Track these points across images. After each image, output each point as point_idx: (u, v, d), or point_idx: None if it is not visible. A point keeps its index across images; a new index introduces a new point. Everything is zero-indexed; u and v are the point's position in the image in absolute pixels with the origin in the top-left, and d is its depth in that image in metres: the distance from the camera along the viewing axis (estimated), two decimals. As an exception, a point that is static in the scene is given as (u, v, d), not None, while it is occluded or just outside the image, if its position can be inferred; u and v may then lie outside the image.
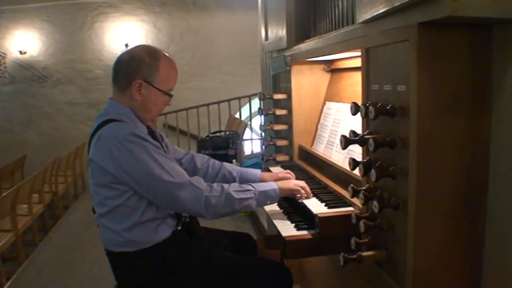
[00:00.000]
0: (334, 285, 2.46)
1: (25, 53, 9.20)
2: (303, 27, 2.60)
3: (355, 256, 1.55)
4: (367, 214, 1.61)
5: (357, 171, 1.60)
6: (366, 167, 1.52)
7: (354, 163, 1.58)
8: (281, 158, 2.90)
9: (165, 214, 1.98)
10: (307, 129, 2.74)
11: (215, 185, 1.96)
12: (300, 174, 2.45)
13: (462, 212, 1.37)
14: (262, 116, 2.92)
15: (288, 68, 2.66)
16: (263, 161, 2.99)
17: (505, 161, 1.28)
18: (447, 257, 1.39)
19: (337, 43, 1.96)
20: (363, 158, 1.65)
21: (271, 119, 3.12)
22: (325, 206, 1.95)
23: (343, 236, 1.72)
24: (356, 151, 1.97)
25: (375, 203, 1.49)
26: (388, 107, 1.43)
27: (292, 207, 2.19)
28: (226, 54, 9.40)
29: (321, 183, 2.27)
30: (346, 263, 1.56)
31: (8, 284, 4.10)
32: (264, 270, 2.11)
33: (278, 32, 2.80)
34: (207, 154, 6.27)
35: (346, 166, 1.82)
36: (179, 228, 2.05)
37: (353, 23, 1.87)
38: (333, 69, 2.64)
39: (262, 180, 2.26)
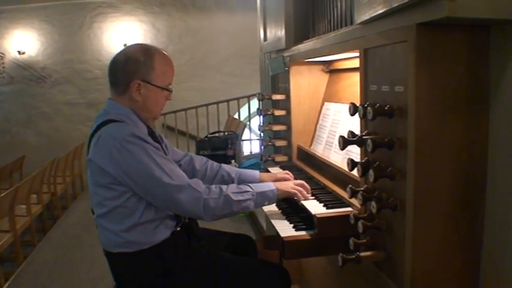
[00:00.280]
0: (332, 286, 2.47)
1: (24, 53, 9.19)
2: (302, 27, 2.61)
3: (353, 256, 1.55)
4: (366, 215, 1.61)
5: (355, 172, 1.60)
6: (364, 167, 1.53)
7: (352, 164, 1.58)
8: (280, 158, 2.90)
9: (164, 215, 1.98)
10: (306, 130, 2.74)
11: (213, 187, 1.96)
12: (299, 174, 2.45)
13: (460, 212, 1.37)
14: (261, 116, 2.92)
15: (286, 68, 2.67)
16: (262, 162, 2.99)
17: (503, 161, 1.28)
18: (445, 257, 1.39)
19: (335, 44, 1.97)
20: (361, 159, 1.66)
21: (270, 119, 3.12)
22: (324, 206, 1.95)
23: (341, 236, 1.72)
24: (354, 152, 1.97)
25: (373, 203, 1.49)
26: (386, 108, 1.43)
27: (291, 207, 2.19)
28: (225, 54, 9.40)
29: (319, 184, 2.27)
30: (344, 264, 1.56)
31: (7, 284, 4.09)
32: (262, 272, 2.11)
33: (277, 32, 2.80)
34: (205, 154, 6.32)
35: (344, 167, 1.82)
36: (178, 229, 2.05)
37: (351, 23, 1.87)
38: (332, 70, 2.65)
39: (261, 181, 2.26)
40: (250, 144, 8.10)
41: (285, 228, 1.95)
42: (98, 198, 1.95)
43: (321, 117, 2.66)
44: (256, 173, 2.36)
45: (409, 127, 1.33)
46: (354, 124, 2.03)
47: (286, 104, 2.79)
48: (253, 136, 8.43)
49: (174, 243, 2.01)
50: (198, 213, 1.90)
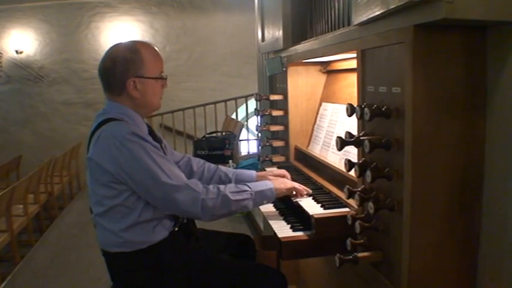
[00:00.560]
0: (329, 286, 2.47)
1: (21, 52, 9.16)
2: (300, 28, 2.61)
3: (350, 257, 1.56)
4: (363, 215, 1.61)
5: (352, 173, 1.60)
6: (362, 168, 1.53)
7: (349, 164, 1.58)
8: (277, 158, 2.90)
9: (162, 215, 1.98)
10: (303, 130, 2.74)
11: (211, 187, 1.96)
12: (296, 175, 2.45)
13: (457, 212, 1.38)
14: (259, 116, 2.92)
15: (284, 69, 2.67)
16: (259, 162, 2.99)
17: (499, 161, 1.29)
18: (442, 257, 1.40)
19: (333, 45, 1.97)
20: (359, 159, 1.66)
21: (267, 119, 3.12)
22: (321, 207, 1.95)
23: (339, 237, 1.73)
24: (352, 152, 1.98)
25: (371, 204, 1.49)
26: (383, 109, 1.43)
27: (288, 208, 2.19)
28: (223, 54, 9.40)
29: (316, 184, 2.27)
30: (342, 264, 1.57)
31: (3, 285, 4.08)
32: (258, 274, 2.11)
33: (274, 33, 2.81)
34: (203, 154, 6.32)
35: (342, 167, 1.82)
36: (176, 229, 2.05)
37: (349, 24, 1.87)
38: (329, 71, 2.65)
39: (258, 180, 2.26)
40: (248, 145, 8.09)
41: (283, 229, 1.95)
42: (97, 197, 1.95)
43: (318, 118, 2.66)
44: (253, 172, 2.36)
45: (406, 128, 1.34)
46: (351, 125, 2.03)
47: (283, 105, 2.79)
48: (251, 136, 8.43)
49: (172, 243, 2.01)
50: (196, 213, 1.90)
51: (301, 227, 1.93)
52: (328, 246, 1.81)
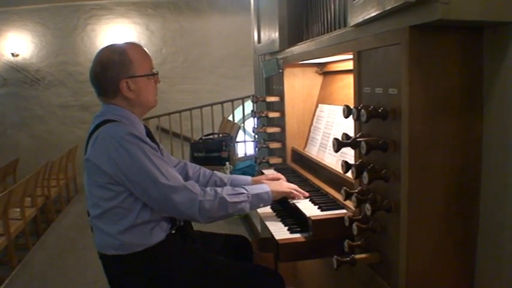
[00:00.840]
0: (327, 288, 2.47)
1: (17, 55, 9.15)
2: (296, 30, 2.61)
3: (348, 259, 1.56)
4: (360, 217, 1.61)
5: (349, 174, 1.60)
6: (358, 169, 1.53)
7: (346, 166, 1.58)
8: (274, 160, 2.90)
9: (159, 217, 1.98)
10: (300, 132, 2.74)
11: (208, 189, 1.96)
12: (293, 176, 2.45)
13: (454, 213, 1.37)
14: (255, 118, 2.92)
15: (280, 70, 2.67)
16: (256, 164, 2.99)
17: (496, 162, 1.29)
18: (440, 258, 1.40)
19: (329, 46, 1.97)
20: (355, 161, 1.66)
21: (264, 121, 3.12)
22: (318, 208, 1.95)
23: (336, 238, 1.72)
24: (349, 154, 1.97)
25: (368, 205, 1.49)
26: (380, 110, 1.43)
27: (285, 210, 2.19)
28: (219, 56, 9.40)
29: (314, 186, 2.27)
30: (339, 266, 1.56)
31: (1, 288, 4.08)
32: (256, 277, 2.11)
33: (271, 34, 2.81)
34: (200, 157, 6.31)
35: (338, 169, 1.82)
36: (173, 232, 2.05)
37: (345, 26, 1.87)
38: (326, 72, 2.65)
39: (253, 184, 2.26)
40: (245, 146, 8.10)
41: (280, 231, 1.95)
42: (94, 199, 1.95)
43: (315, 119, 2.66)
44: (248, 178, 2.37)
45: (403, 129, 1.34)
46: (348, 126, 2.03)
47: (280, 106, 2.79)
48: (248, 138, 8.43)
49: (169, 245, 2.00)
50: (194, 215, 1.90)
51: (298, 229, 1.93)
52: (325, 248, 1.82)
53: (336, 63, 2.43)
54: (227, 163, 6.13)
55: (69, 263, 4.68)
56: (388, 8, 1.29)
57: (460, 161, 1.35)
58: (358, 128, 1.67)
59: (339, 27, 1.99)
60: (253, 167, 5.54)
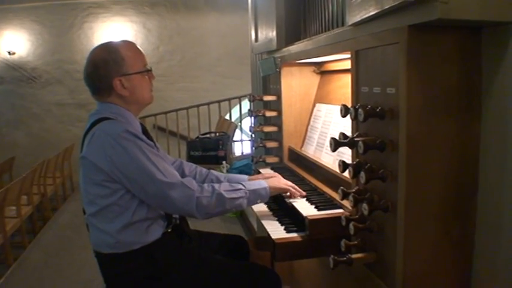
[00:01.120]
0: (324, 287, 2.46)
1: (14, 53, 9.13)
2: (293, 29, 2.60)
3: (345, 258, 1.56)
4: (357, 216, 1.61)
5: (346, 174, 1.60)
6: (356, 169, 1.53)
7: (343, 165, 1.58)
8: (271, 159, 2.90)
9: (156, 214, 1.98)
10: (297, 131, 2.74)
11: (206, 185, 1.96)
12: (290, 176, 2.45)
13: (452, 213, 1.37)
14: (252, 117, 2.92)
15: (277, 69, 2.66)
16: (253, 163, 2.98)
17: (494, 162, 1.29)
18: (437, 258, 1.40)
19: (327, 45, 1.97)
20: (353, 160, 1.65)
21: (261, 120, 3.11)
22: (315, 208, 1.95)
23: (333, 238, 1.72)
24: (346, 153, 1.97)
25: (365, 205, 1.49)
26: (377, 110, 1.43)
27: (282, 209, 2.19)
28: (216, 55, 9.40)
29: (310, 185, 2.27)
30: (336, 265, 1.56)
31: (-4, 286, 4.07)
32: (252, 275, 2.11)
33: (268, 33, 2.80)
34: (196, 155, 6.30)
35: (336, 168, 1.81)
36: (169, 230, 2.04)
37: (343, 25, 1.87)
38: (323, 71, 2.65)
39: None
40: (242, 145, 8.09)
41: (276, 230, 1.95)
42: (90, 197, 1.94)
43: (312, 119, 2.66)
44: (245, 176, 2.37)
45: (401, 129, 1.33)
46: (345, 125, 2.03)
47: (277, 105, 2.79)
48: (245, 137, 8.43)
49: (165, 244, 2.00)
50: (191, 211, 1.90)
51: (295, 228, 1.93)
52: (322, 248, 1.81)
53: (333, 63, 2.42)
54: (224, 162, 6.12)
55: (65, 261, 4.67)
56: (387, 7, 1.28)
57: (458, 161, 1.35)
58: (355, 127, 1.66)
59: (337, 26, 1.99)
60: (250, 166, 5.53)
